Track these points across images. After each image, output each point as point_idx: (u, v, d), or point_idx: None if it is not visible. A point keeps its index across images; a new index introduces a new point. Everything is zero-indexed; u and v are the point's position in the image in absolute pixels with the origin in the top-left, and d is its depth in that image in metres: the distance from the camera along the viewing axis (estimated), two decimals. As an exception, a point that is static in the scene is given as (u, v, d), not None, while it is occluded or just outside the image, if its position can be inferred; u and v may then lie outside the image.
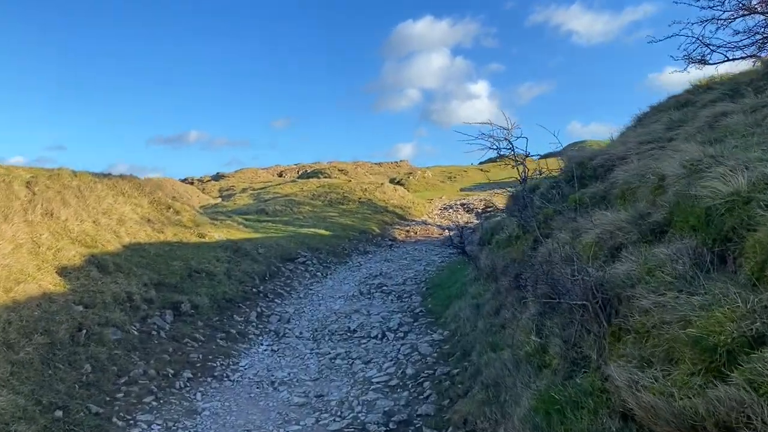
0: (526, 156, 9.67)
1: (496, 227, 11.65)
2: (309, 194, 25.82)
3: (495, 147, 9.52)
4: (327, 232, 19.27)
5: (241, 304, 11.14)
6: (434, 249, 18.73)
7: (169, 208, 15.18)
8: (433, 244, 19.99)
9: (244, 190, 65.81)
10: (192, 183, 75.89)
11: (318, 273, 14.77)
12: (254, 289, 12.08)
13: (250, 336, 9.86)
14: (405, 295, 12.24)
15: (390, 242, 20.27)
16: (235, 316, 10.54)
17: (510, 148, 9.41)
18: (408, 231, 22.23)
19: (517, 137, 9.38)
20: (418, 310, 10.91)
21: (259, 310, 11.11)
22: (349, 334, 9.86)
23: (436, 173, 59.63)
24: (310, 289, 13.23)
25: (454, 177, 64.66)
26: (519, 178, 9.78)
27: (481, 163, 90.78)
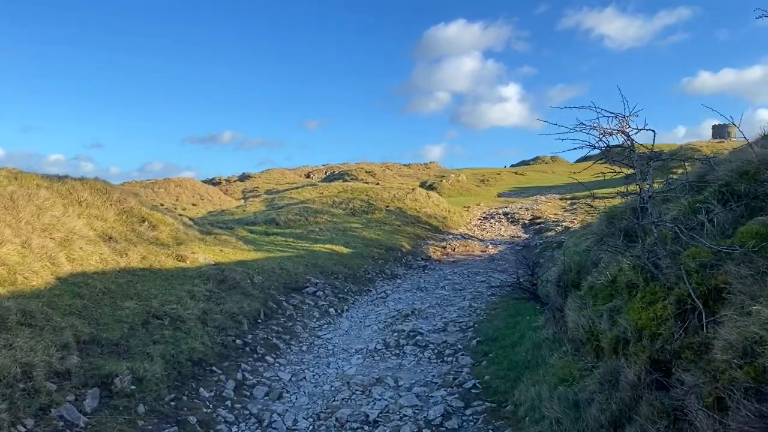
0: (654, 157, 6.23)
1: (584, 262, 8.15)
2: (329, 201, 22.57)
3: (601, 143, 6.13)
4: (346, 250, 15.96)
5: (215, 367, 7.88)
6: (479, 273, 15.28)
7: (144, 220, 12.04)
8: (476, 266, 16.53)
9: (268, 192, 63.42)
10: (219, 183, 73.91)
11: (331, 309, 11.44)
12: (238, 341, 8.81)
13: (218, 428, 6.57)
14: (448, 352, 8.84)
15: (423, 262, 16.87)
16: (201, 389, 7.28)
17: (626, 145, 6.00)
18: (444, 247, 18.80)
19: (638, 129, 5.94)
20: (469, 385, 7.51)
21: (240, 376, 7.83)
22: (367, 428, 6.51)
23: (469, 176, 56.07)
24: (318, 336, 9.91)
25: (488, 180, 61.03)
26: (638, 191, 6.38)
27: (512, 165, 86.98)
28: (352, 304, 12.25)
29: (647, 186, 5.82)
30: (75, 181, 11.70)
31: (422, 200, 23.72)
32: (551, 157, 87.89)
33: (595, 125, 5.74)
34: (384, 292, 13.21)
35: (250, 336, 9.12)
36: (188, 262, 11.42)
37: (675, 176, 8.80)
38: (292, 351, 9.10)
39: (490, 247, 19.65)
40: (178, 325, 8.41)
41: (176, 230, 12.78)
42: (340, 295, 12.46)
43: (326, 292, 12.29)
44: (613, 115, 5.88)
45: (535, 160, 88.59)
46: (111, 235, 10.74)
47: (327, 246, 15.97)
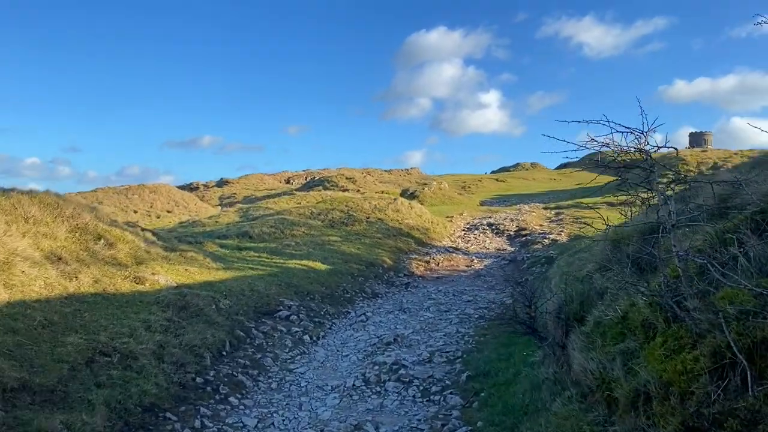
0: (677, 180, 5.48)
1: (588, 292, 7.34)
2: (306, 212, 21.61)
3: (618, 163, 5.37)
4: (324, 266, 15.03)
5: (169, 413, 6.91)
6: (465, 291, 14.46)
7: (100, 238, 11.02)
8: (461, 283, 15.71)
9: (246, 198, 62.16)
10: (196, 188, 72.39)
11: (305, 336, 10.51)
12: (199, 378, 7.85)
13: (167, 492, 5.63)
14: (435, 389, 7.98)
15: (406, 279, 16.01)
16: (150, 443, 6.31)
17: (647, 165, 5.22)
18: (428, 262, 17.96)
19: (658, 146, 5.15)
20: (460, 433, 6.65)
21: (198, 423, 6.87)
22: (342, 492, 5.61)
23: (450, 183, 55.56)
24: (290, 370, 8.98)
25: (469, 187, 60.57)
26: (656, 217, 5.63)
27: (493, 172, 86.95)
28: (329, 329, 11.32)
29: (670, 212, 5.01)
30: (22, 194, 10.64)
31: (404, 211, 22.88)
32: (531, 164, 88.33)
33: (607, 141, 4.93)
34: (364, 314, 12.31)
35: (212, 372, 8.15)
36: (147, 284, 10.43)
37: (671, 191, 8.06)
38: (260, 389, 8.16)
39: (475, 261, 18.86)
40: (129, 363, 7.43)
41: (137, 248, 11.76)
42: (316, 319, 11.53)
43: (301, 315, 11.36)
44: (628, 130, 5.08)
45: (516, 166, 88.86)
46: (60, 256, 9.71)
47: (303, 262, 15.03)
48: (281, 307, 11.49)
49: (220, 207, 53.86)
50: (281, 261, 15.06)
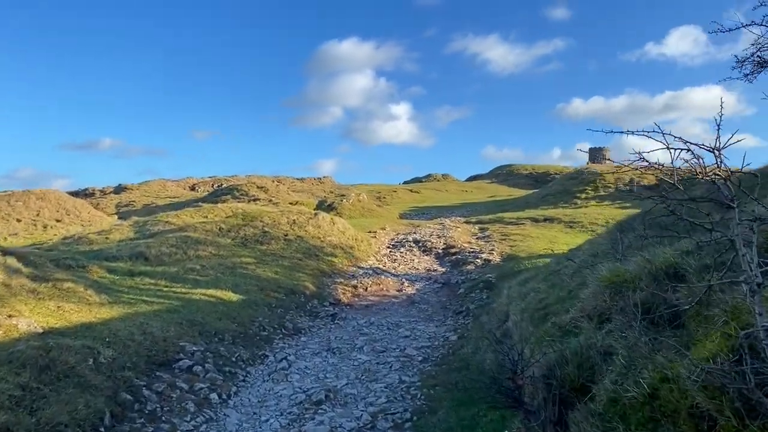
0: (761, 218, 4.02)
1: (586, 352, 5.82)
2: (215, 227, 19.26)
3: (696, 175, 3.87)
4: (235, 296, 12.94)
5: None
6: (401, 324, 12.86)
7: (-65, 270, 8.47)
8: (395, 312, 14.10)
9: (146, 206, 57.86)
10: (93, 194, 66.80)
11: (213, 394, 8.47)
12: (60, 479, 5.68)
13: None
14: (386, 476, 6.22)
15: (332, 309, 14.17)
16: None
17: (725, 196, 3.72)
18: (356, 286, 16.20)
19: (738, 171, 3.71)
20: None
21: None
22: None
23: (366, 193, 54.35)
24: (193, 449, 6.94)
25: (384, 197, 59.65)
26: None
27: (405, 182, 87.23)
28: (243, 381, 9.31)
29: (752, 264, 3.55)
30: None
31: (326, 227, 21.01)
32: (443, 175, 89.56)
33: (685, 162, 3.42)
34: (285, 358, 10.37)
35: (81, 465, 6.01)
36: (1, 331, 8.04)
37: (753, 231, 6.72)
38: (149, 486, 6.10)
39: (405, 284, 17.32)
40: (-50, 467, 5.19)
41: (-10, 281, 9.26)
42: (227, 368, 9.48)
43: (207, 365, 9.28)
44: (693, 146, 3.60)
45: (428, 177, 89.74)
46: None
47: (210, 291, 12.87)
48: (182, 355, 9.37)
49: (116, 216, 49.72)
50: (183, 290, 12.82)
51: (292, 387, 9.07)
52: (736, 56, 12.35)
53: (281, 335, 11.76)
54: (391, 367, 9.89)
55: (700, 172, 3.59)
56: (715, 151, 3.58)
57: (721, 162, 3.59)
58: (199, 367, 9.13)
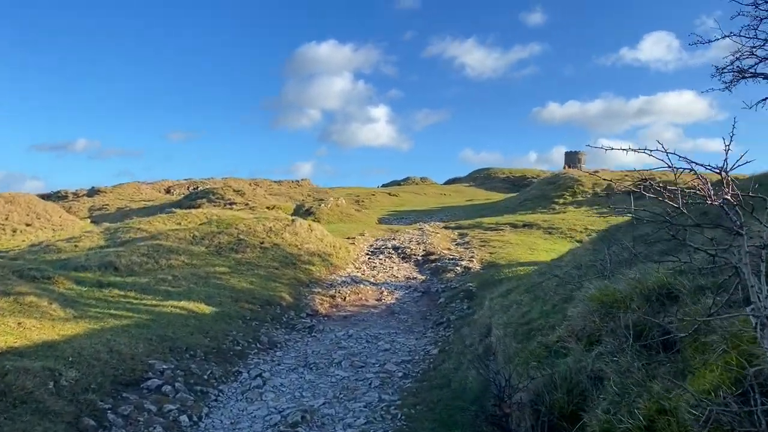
0: None
1: (575, 377, 5.55)
2: (188, 235, 18.75)
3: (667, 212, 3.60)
4: (209, 309, 12.52)
5: None
6: (380, 336, 12.56)
7: None
8: (374, 323, 13.80)
9: (120, 210, 56.81)
10: (65, 197, 65.28)
11: (183, 416, 8.07)
12: None
13: None
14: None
15: (309, 320, 13.80)
16: None
17: (733, 224, 3.46)
18: (333, 296, 15.85)
19: (750, 194, 3.46)
20: None
21: None
22: None
23: (344, 196, 54.06)
24: (160, 480, 6.55)
25: (363, 201, 59.42)
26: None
27: (384, 185, 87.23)
28: (215, 400, 8.92)
29: (761, 296, 3.31)
30: None
31: (304, 234, 20.60)
32: (421, 178, 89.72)
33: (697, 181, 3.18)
34: (260, 374, 9.99)
35: (37, 502, 5.59)
36: (-45, 352, 7.55)
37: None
38: None
39: (385, 293, 17.01)
40: None
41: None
42: (198, 387, 9.08)
43: (177, 384, 8.87)
44: (700, 165, 3.35)
45: (406, 180, 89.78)
46: None
47: (182, 304, 12.42)
48: (151, 374, 8.95)
49: (89, 220, 48.70)
50: (154, 303, 12.36)
51: (267, 407, 8.70)
52: (716, 66, 12.29)
53: (256, 350, 11.37)
54: (370, 384, 9.57)
55: (706, 196, 3.35)
56: (723, 173, 3.34)
57: (728, 184, 3.35)
58: (169, 387, 8.71)
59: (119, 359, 8.94)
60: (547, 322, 8.44)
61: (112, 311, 11.33)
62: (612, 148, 3.59)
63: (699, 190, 3.31)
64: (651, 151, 3.48)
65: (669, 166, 3.44)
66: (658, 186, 3.44)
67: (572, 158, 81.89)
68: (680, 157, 3.40)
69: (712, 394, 3.89)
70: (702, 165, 3.38)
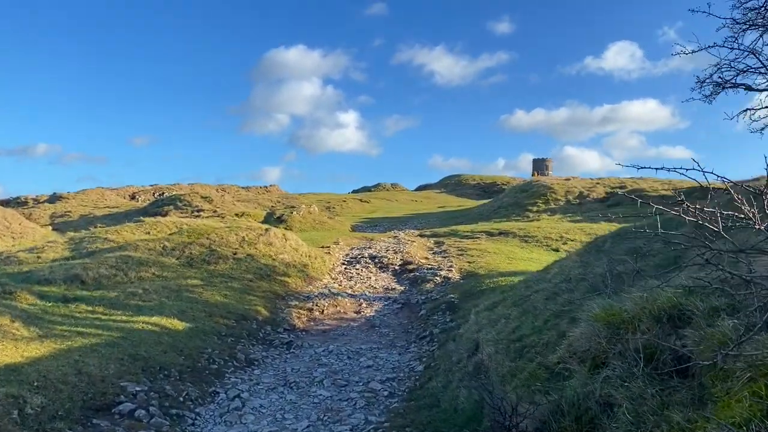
0: None
1: (585, 403, 5.29)
2: (158, 246, 18.14)
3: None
4: (182, 324, 12.02)
5: None
6: (362, 351, 12.24)
7: None
8: (355, 338, 13.46)
9: (83, 216, 55.27)
10: (25, 203, 63.26)
11: (159, 443, 7.59)
12: None
13: None
14: None
15: (287, 336, 13.37)
16: None
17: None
18: (311, 309, 15.44)
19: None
20: None
21: None
22: None
23: (315, 202, 53.62)
24: None
25: (334, 208, 59.10)
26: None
27: (354, 191, 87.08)
28: (192, 424, 8.46)
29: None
30: None
31: (278, 244, 20.12)
32: (392, 185, 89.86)
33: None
34: (238, 395, 9.55)
35: None
36: None
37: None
38: None
39: (363, 304, 16.67)
40: None
41: None
42: (174, 410, 8.61)
43: (151, 407, 8.39)
44: (737, 185, 3.13)
45: (377, 186, 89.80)
46: None
47: (154, 319, 11.90)
48: (123, 397, 8.46)
49: (51, 227, 47.32)
50: (124, 318, 11.81)
51: (247, 430, 8.29)
52: (697, 76, 12.34)
53: (233, 368, 10.91)
54: (355, 404, 9.22)
55: (746, 218, 3.12)
56: (765, 196, 3.12)
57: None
58: (143, 411, 8.23)
59: (88, 382, 8.43)
60: (540, 339, 8.21)
61: (79, 329, 10.77)
62: (650, 167, 3.35)
63: (740, 213, 3.08)
64: (686, 170, 3.24)
65: (705, 187, 3.21)
66: (693, 208, 3.21)
67: (540, 165, 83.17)
68: (718, 176, 3.18)
69: (744, 428, 3.68)
70: (739, 183, 3.16)
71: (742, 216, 3.17)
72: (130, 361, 9.60)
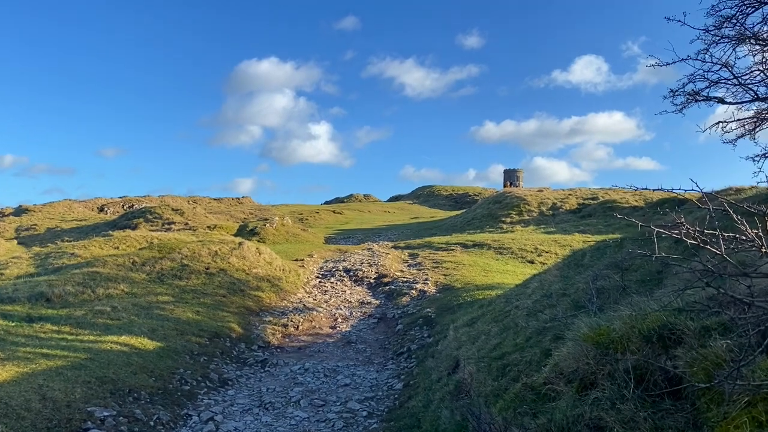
0: None
1: (575, 427, 5.15)
2: (127, 261, 17.63)
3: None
4: (152, 343, 11.62)
5: None
6: (338, 369, 11.97)
7: None
8: (331, 354, 13.19)
9: (50, 230, 53.90)
10: (-10, 215, 61.42)
11: (128, 473, 7.24)
12: None
13: None
14: None
15: (262, 353, 13.03)
16: None
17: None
18: (286, 325, 15.11)
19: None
20: None
21: None
22: None
23: (286, 213, 53.17)
24: None
25: (307, 219, 58.70)
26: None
27: (327, 202, 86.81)
28: (164, 450, 8.11)
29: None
30: None
31: (252, 258, 19.74)
32: (365, 195, 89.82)
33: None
34: (212, 418, 9.21)
35: None
36: None
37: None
38: None
39: (339, 320, 16.40)
40: None
41: None
42: (144, 436, 8.25)
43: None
44: (758, 212, 3.02)
45: (350, 197, 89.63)
46: None
47: (123, 338, 11.48)
48: (90, 423, 8.07)
49: (16, 241, 46.00)
50: (92, 338, 11.37)
51: (222, 456, 7.98)
52: (670, 89, 12.49)
53: (206, 389, 10.56)
54: (333, 425, 8.95)
55: (749, 240, 3.01)
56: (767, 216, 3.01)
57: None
58: (111, 438, 7.87)
59: (53, 408, 8.03)
60: (522, 357, 8.08)
61: (44, 350, 10.32)
62: (661, 189, 3.23)
63: (744, 236, 2.97)
64: (685, 190, 3.13)
65: (726, 210, 3.10)
66: (696, 233, 3.09)
67: (511, 176, 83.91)
68: (730, 203, 3.07)
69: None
70: (760, 212, 3.05)
71: (744, 238, 3.07)
72: (97, 384, 9.20)
